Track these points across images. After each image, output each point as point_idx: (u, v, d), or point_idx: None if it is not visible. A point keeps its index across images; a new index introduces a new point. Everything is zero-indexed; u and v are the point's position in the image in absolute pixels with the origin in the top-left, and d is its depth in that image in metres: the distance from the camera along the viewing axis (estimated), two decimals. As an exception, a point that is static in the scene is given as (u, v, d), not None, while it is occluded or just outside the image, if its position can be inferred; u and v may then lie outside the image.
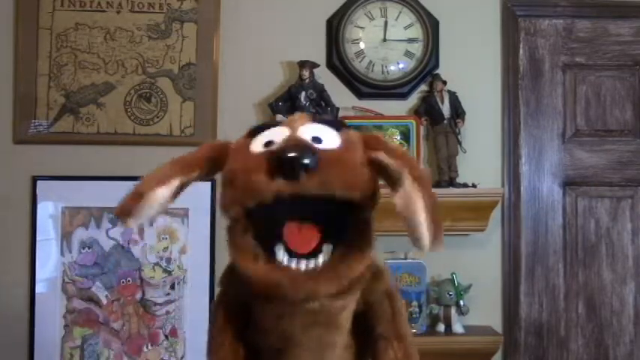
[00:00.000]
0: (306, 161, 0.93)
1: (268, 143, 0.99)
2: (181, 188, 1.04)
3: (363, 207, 1.00)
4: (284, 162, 0.93)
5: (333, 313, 1.01)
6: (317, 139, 0.99)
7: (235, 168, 1.00)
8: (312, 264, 0.96)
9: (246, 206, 0.97)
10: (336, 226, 0.99)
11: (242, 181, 0.97)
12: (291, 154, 0.93)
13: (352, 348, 1.09)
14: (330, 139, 1.00)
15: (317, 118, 1.06)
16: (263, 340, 1.07)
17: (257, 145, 1.01)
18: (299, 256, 0.96)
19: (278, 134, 1.01)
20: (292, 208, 0.96)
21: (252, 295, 1.02)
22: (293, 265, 0.95)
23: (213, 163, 1.06)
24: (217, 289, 1.16)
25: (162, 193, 1.00)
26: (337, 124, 1.06)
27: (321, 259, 0.97)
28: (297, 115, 1.10)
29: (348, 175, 0.97)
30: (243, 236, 0.99)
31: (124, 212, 1.00)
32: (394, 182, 0.97)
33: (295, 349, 1.03)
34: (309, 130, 1.01)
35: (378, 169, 1.00)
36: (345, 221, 0.99)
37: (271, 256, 0.97)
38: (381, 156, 0.98)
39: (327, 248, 0.98)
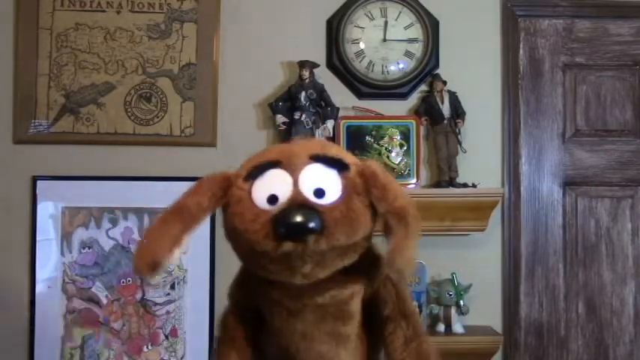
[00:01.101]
0: (312, 226, 0.97)
1: (272, 199, 1.01)
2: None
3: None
4: (291, 230, 0.97)
5: (343, 302, 1.06)
6: (319, 192, 1.01)
7: (241, 228, 1.02)
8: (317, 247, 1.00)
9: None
10: None
11: (249, 243, 1.00)
12: (298, 221, 0.97)
13: (365, 339, 1.13)
14: (332, 188, 1.02)
15: (317, 155, 1.06)
16: (277, 343, 1.10)
17: (259, 196, 1.02)
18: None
19: (280, 186, 1.02)
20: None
21: (264, 296, 1.07)
22: (299, 249, 0.99)
23: (217, 203, 1.08)
24: (221, 305, 1.20)
25: (175, 254, 1.03)
26: (338, 164, 1.06)
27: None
28: (296, 148, 1.09)
29: (352, 228, 1.01)
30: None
31: (141, 275, 1.05)
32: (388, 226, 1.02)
33: (310, 344, 1.07)
34: (310, 181, 1.02)
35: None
36: None
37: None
38: (380, 207, 1.03)
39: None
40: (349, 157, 1.10)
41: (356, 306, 1.09)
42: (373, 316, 1.13)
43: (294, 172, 1.03)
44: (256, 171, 1.05)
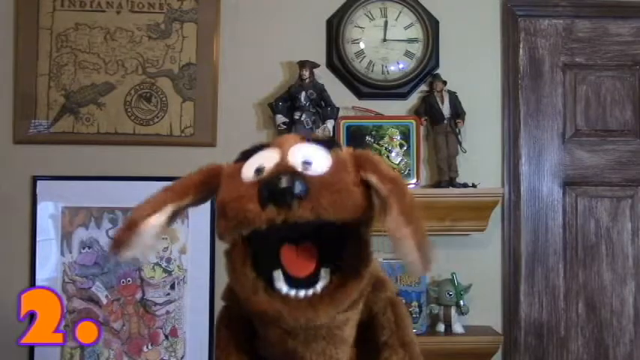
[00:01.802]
0: (297, 189, 0.94)
1: (259, 170, 1.00)
2: (175, 215, 1.06)
3: (357, 226, 1.01)
4: (274, 191, 0.94)
5: (336, 327, 1.03)
6: (307, 163, 0.99)
7: (227, 198, 1.00)
8: (310, 292, 0.98)
9: (241, 234, 0.99)
10: (333, 246, 1.00)
11: (234, 211, 0.98)
12: (281, 184, 0.94)
13: (356, 358, 1.09)
14: (320, 161, 1.01)
15: (307, 138, 1.07)
16: (270, 353, 1.08)
17: (248, 171, 1.01)
18: (298, 282, 0.98)
19: (268, 159, 1.01)
20: (287, 232, 0.98)
21: (254, 318, 1.05)
22: (292, 293, 0.97)
23: (207, 188, 1.07)
24: (221, 305, 1.17)
25: (156, 220, 1.01)
26: (328, 144, 1.06)
27: (319, 285, 0.98)
28: (288, 135, 1.10)
29: (339, 198, 0.97)
30: (242, 267, 1.00)
31: (118, 244, 1.01)
32: (384, 204, 0.98)
33: None
34: (299, 153, 1.01)
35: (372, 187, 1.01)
36: (341, 241, 1.00)
37: (270, 283, 0.99)
38: (372, 179, 0.99)
39: (325, 273, 0.99)
40: (340, 145, 1.10)
41: (350, 330, 1.06)
42: (369, 340, 1.10)
43: (283, 148, 1.02)
44: (248, 153, 1.06)
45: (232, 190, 1.00)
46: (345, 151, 1.05)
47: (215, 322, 1.18)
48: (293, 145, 1.03)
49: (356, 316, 1.06)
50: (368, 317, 1.09)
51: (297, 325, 0.98)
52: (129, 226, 1.00)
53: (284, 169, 0.98)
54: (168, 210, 1.03)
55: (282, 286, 0.98)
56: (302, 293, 0.97)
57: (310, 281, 0.98)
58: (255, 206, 0.95)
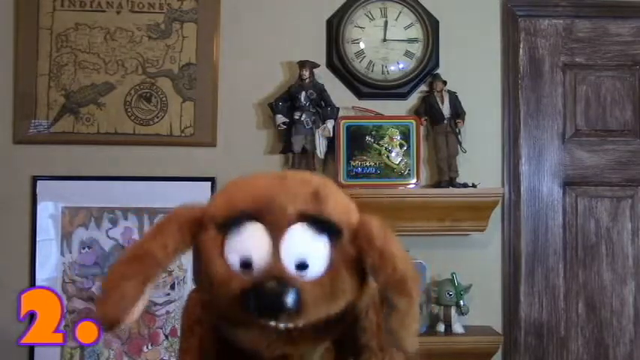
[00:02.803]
0: (288, 305, 0.86)
1: (246, 264, 0.89)
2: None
3: None
4: (262, 307, 0.86)
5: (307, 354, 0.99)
6: (302, 266, 0.89)
7: (209, 288, 0.92)
8: (291, 325, 0.90)
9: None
10: None
11: (218, 307, 0.92)
12: (271, 299, 0.85)
13: (331, 353, 1.05)
14: (317, 260, 0.90)
15: (306, 214, 0.91)
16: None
17: (233, 258, 0.90)
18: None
19: (257, 249, 0.90)
20: None
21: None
22: (272, 323, 0.89)
23: (185, 248, 0.95)
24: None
25: (140, 307, 0.92)
26: (330, 228, 0.92)
27: (301, 321, 0.91)
28: (281, 200, 0.92)
29: (334, 302, 0.91)
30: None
31: (106, 327, 0.92)
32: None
33: None
34: (293, 250, 0.89)
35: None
36: None
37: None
38: (376, 277, 0.91)
39: None
40: (346, 212, 0.95)
41: (320, 353, 1.01)
42: (347, 341, 1.04)
43: (275, 234, 0.89)
44: (232, 222, 0.91)
45: (215, 282, 0.90)
46: (347, 235, 0.92)
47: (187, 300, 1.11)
48: (287, 229, 0.90)
49: (328, 343, 1.01)
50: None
51: (272, 356, 0.93)
52: (114, 325, 0.90)
53: (274, 276, 0.87)
54: (149, 292, 0.92)
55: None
56: (282, 325, 0.89)
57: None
58: (241, 313, 0.88)
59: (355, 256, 0.92)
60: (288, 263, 0.89)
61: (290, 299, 0.86)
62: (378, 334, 1.03)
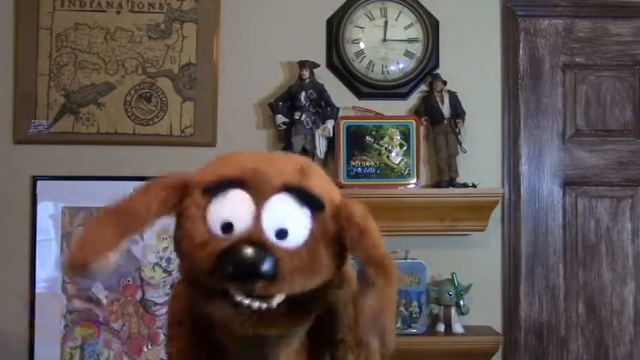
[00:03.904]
0: (263, 271, 0.85)
1: (226, 226, 0.90)
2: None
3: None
4: (238, 270, 0.86)
5: (284, 335, 0.98)
6: (282, 232, 0.89)
7: (186, 251, 0.92)
8: (264, 305, 0.90)
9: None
10: None
11: (196, 273, 0.91)
12: (248, 262, 0.85)
13: (306, 346, 1.05)
14: (297, 230, 0.90)
15: (291, 186, 0.92)
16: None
17: (214, 221, 0.90)
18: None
19: (238, 212, 0.90)
20: None
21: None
22: (246, 302, 0.89)
23: (169, 210, 0.95)
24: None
25: (112, 259, 0.90)
26: (312, 201, 0.93)
27: (275, 301, 0.91)
28: (268, 168, 0.94)
29: (310, 279, 0.91)
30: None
31: (73, 271, 0.90)
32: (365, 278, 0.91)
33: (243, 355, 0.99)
34: (275, 215, 0.90)
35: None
36: None
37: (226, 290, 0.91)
38: (355, 253, 0.91)
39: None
40: (328, 190, 0.96)
41: (294, 344, 1.01)
42: (323, 334, 1.03)
43: (259, 200, 0.90)
44: (217, 187, 0.92)
45: (193, 245, 0.90)
46: (329, 211, 0.93)
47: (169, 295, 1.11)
48: (270, 197, 0.91)
49: (309, 322, 1.00)
50: (325, 311, 1.02)
51: (244, 335, 0.92)
52: (81, 268, 0.89)
53: (253, 241, 0.87)
54: (123, 245, 0.91)
55: (237, 293, 0.90)
56: (256, 304, 0.89)
57: (267, 295, 0.90)
58: (215, 277, 0.88)
59: (335, 234, 0.92)
60: (269, 230, 0.89)
61: (266, 265, 0.86)
62: (355, 329, 1.01)
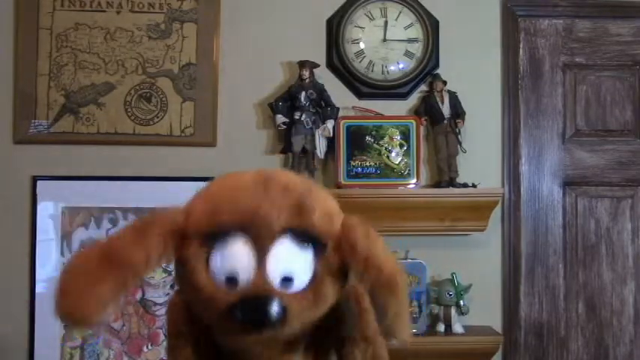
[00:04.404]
0: (273, 318, 0.88)
1: (231, 279, 0.90)
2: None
3: None
4: (249, 319, 0.88)
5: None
6: (287, 279, 0.91)
7: (195, 303, 0.94)
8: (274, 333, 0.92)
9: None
10: None
11: (205, 319, 0.94)
12: (257, 315, 0.88)
13: (312, 344, 1.04)
14: (302, 274, 0.92)
15: (291, 228, 0.91)
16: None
17: (218, 274, 0.91)
18: None
19: (242, 267, 0.90)
20: None
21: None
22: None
23: (167, 260, 0.93)
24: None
25: (109, 315, 0.89)
26: (315, 240, 0.93)
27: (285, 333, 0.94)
28: (265, 213, 0.91)
29: (317, 310, 0.94)
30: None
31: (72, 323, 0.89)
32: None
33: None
34: (278, 265, 0.90)
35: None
36: None
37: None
38: (363, 281, 0.93)
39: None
40: (329, 216, 0.95)
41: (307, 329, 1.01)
42: (329, 333, 1.03)
43: (260, 248, 0.90)
44: (216, 236, 0.91)
45: (201, 298, 0.91)
46: (331, 246, 0.93)
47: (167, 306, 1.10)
48: (272, 245, 0.91)
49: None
50: (330, 308, 1.01)
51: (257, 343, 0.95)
52: (79, 323, 0.88)
53: (259, 292, 0.89)
54: (121, 300, 0.90)
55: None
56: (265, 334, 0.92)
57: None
58: (228, 325, 0.90)
59: (339, 264, 0.94)
60: (274, 278, 0.90)
61: (275, 313, 0.88)
62: (360, 324, 1.03)
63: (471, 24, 2.49)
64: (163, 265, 0.94)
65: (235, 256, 0.90)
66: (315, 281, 0.93)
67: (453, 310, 2.32)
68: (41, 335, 2.34)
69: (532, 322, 2.46)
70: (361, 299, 1.03)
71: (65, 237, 2.37)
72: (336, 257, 0.93)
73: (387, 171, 2.37)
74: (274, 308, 0.88)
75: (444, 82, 2.39)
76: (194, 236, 0.92)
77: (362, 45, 2.44)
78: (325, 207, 0.97)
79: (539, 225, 2.48)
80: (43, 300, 2.35)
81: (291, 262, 0.91)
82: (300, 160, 2.33)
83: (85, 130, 2.41)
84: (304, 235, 0.92)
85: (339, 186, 2.31)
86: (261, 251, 0.90)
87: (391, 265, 0.93)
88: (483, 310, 2.42)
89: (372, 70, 2.43)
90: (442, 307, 2.33)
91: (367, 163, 2.37)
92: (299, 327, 0.93)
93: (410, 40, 2.45)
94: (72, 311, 0.87)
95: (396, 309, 0.92)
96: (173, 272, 0.97)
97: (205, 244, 0.91)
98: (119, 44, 2.43)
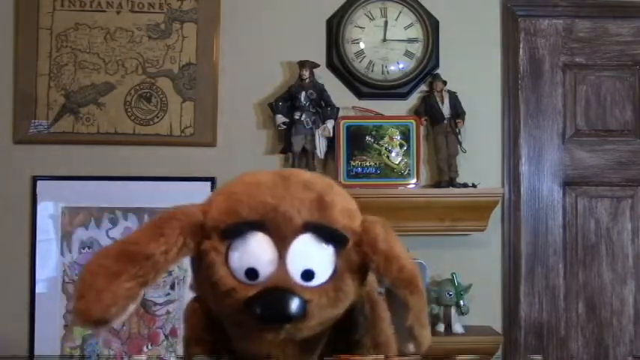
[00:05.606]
0: (293, 314, 0.87)
1: (251, 272, 0.89)
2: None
3: None
4: (268, 317, 0.87)
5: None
6: (308, 274, 0.90)
7: (213, 298, 0.93)
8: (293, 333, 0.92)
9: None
10: None
11: (223, 314, 0.93)
12: (277, 310, 0.86)
13: (323, 348, 1.04)
14: (323, 269, 0.91)
15: (312, 224, 0.91)
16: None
17: (237, 268, 0.90)
18: None
19: (263, 260, 0.89)
20: None
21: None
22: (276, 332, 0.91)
23: (187, 254, 0.93)
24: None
25: (130, 310, 0.88)
26: (336, 237, 0.92)
27: (304, 333, 0.93)
28: (286, 207, 0.91)
29: (337, 307, 0.93)
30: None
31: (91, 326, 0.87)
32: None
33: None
34: (299, 260, 0.89)
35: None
36: None
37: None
38: (384, 278, 0.93)
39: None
40: (349, 214, 0.95)
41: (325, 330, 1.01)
42: (340, 334, 1.02)
43: (281, 243, 0.89)
44: (236, 232, 0.90)
45: (219, 293, 0.90)
46: (352, 242, 0.92)
47: (184, 312, 1.09)
48: (293, 240, 0.90)
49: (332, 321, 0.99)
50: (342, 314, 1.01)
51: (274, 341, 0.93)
52: (99, 322, 0.86)
53: (280, 287, 0.87)
54: (141, 294, 0.89)
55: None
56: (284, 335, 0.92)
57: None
58: (246, 319, 0.89)
59: (359, 262, 0.93)
60: (294, 273, 0.89)
61: (295, 308, 0.87)
62: (373, 331, 1.02)
63: (471, 24, 2.49)
64: (179, 261, 0.93)
65: (256, 251, 0.90)
66: (335, 277, 0.91)
67: (453, 310, 2.32)
68: (41, 335, 2.34)
69: (532, 322, 2.46)
70: (376, 306, 1.03)
71: (65, 237, 2.37)
72: (356, 255, 0.93)
73: (387, 171, 2.37)
74: (295, 302, 0.86)
75: (444, 82, 2.39)
76: (213, 231, 0.91)
77: (362, 45, 2.44)
78: (345, 204, 0.97)
79: (539, 225, 2.48)
80: (43, 300, 2.35)
81: (312, 258, 0.90)
82: (300, 160, 2.33)
83: (85, 130, 2.41)
84: (325, 231, 0.91)
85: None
86: (281, 246, 0.89)
87: (411, 266, 0.93)
88: (483, 310, 2.42)
89: (372, 70, 2.43)
90: (442, 307, 2.33)
91: (367, 163, 2.37)
92: (318, 325, 0.92)
93: (410, 40, 2.44)
94: (90, 309, 0.85)
95: (416, 310, 0.91)
96: (190, 271, 0.96)
97: (225, 240, 0.90)
98: (119, 44, 2.43)
